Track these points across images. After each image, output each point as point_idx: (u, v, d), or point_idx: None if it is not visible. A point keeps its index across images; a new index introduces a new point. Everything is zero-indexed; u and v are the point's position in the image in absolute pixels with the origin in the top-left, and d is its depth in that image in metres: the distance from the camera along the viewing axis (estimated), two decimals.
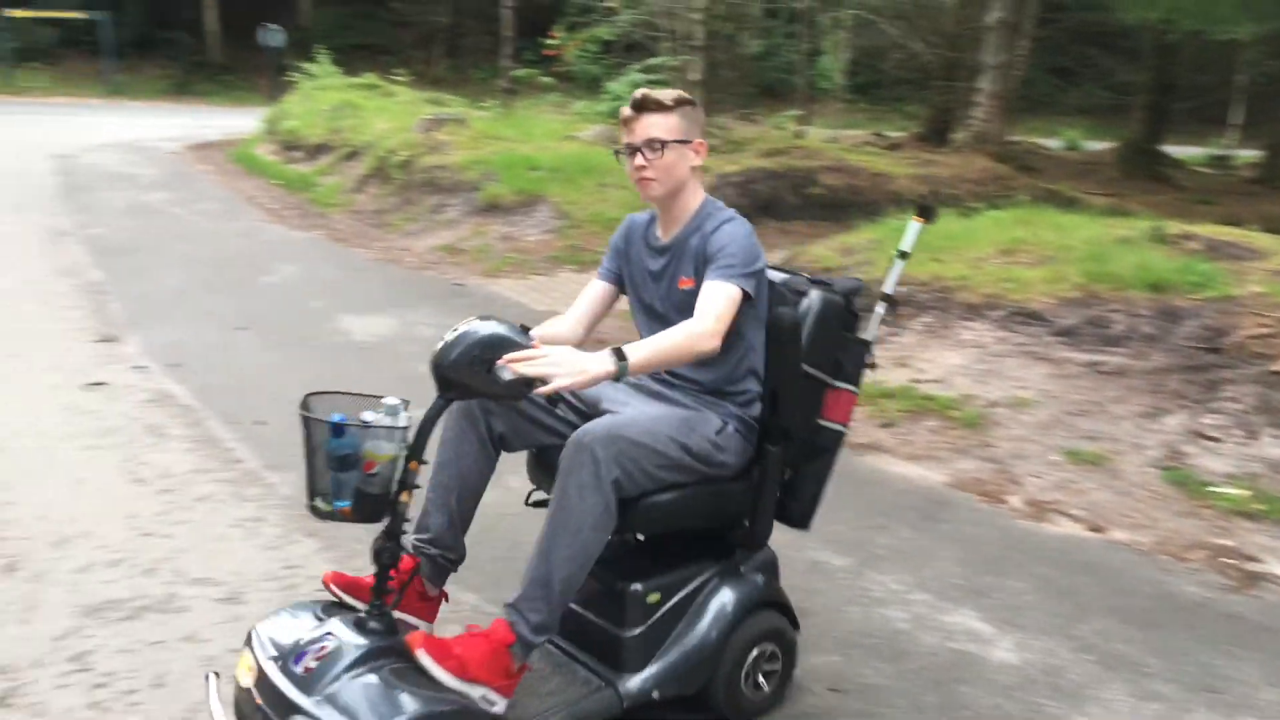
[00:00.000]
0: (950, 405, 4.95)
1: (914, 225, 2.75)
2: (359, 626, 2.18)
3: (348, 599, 2.36)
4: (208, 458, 4.21)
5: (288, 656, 2.13)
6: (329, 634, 2.16)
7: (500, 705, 2.22)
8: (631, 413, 2.47)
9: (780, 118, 14.05)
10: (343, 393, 2.27)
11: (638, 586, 2.43)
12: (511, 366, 2.11)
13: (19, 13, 24.82)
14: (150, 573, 3.25)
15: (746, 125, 13.22)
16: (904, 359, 5.46)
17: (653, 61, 12.83)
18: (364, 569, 2.35)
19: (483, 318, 2.22)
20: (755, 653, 2.58)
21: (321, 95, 14.59)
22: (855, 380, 2.68)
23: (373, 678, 2.08)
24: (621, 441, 2.29)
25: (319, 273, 7.79)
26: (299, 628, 2.21)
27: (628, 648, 2.42)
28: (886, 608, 3.28)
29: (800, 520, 2.72)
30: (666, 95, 2.49)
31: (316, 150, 12.79)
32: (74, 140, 15.09)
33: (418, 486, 2.24)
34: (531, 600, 2.27)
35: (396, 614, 2.28)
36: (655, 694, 2.42)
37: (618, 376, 2.20)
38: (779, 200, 9.53)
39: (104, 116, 19.81)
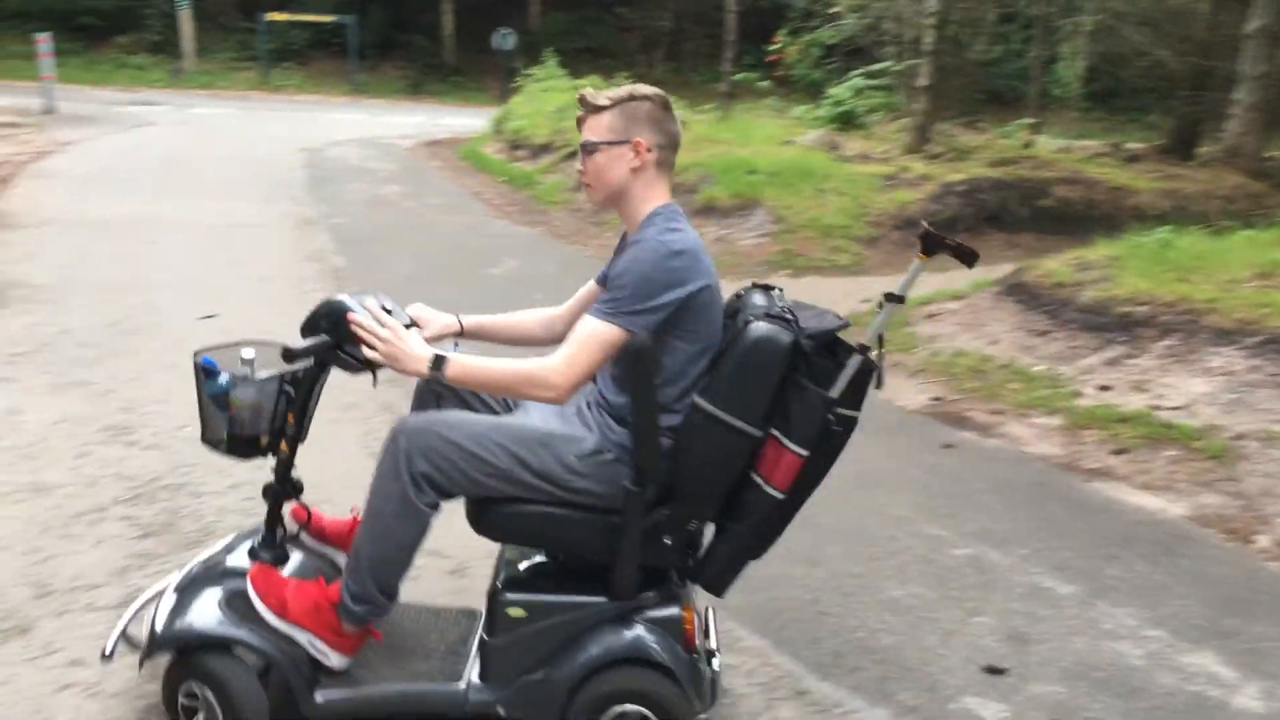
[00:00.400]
0: (1193, 435, 4.62)
1: (916, 264, 2.29)
2: (249, 550, 2.48)
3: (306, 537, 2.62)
4: None
5: (210, 558, 2.52)
6: (228, 548, 2.53)
7: (334, 659, 2.35)
8: (477, 415, 2.44)
9: (1010, 126, 13.50)
10: (237, 343, 2.47)
11: (506, 596, 2.36)
12: (354, 332, 2.25)
13: (279, 16, 26.88)
14: None
15: (972, 133, 12.78)
16: (1142, 383, 5.13)
17: (876, 67, 12.59)
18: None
19: (356, 293, 2.35)
20: (615, 710, 2.30)
21: (547, 97, 15.09)
22: (807, 441, 2.21)
23: (216, 589, 2.38)
24: (432, 437, 2.26)
25: (539, 267, 8.05)
26: (229, 543, 2.59)
27: (486, 653, 2.38)
28: (1117, 641, 3.09)
29: (711, 584, 2.38)
30: (604, 95, 2.34)
31: (540, 149, 13.23)
32: (320, 135, 16.18)
33: (301, 441, 2.45)
34: (350, 570, 2.34)
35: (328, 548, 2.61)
36: (500, 710, 2.35)
37: (430, 378, 2.23)
38: (1007, 211, 9.16)
39: (347, 113, 21.17)
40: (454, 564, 3.32)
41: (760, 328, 2.21)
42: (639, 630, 2.31)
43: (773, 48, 14.52)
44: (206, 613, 2.34)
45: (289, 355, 2.27)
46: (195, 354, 2.41)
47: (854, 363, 2.22)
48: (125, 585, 3.07)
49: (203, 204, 9.69)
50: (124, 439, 4.21)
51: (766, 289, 2.43)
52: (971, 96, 13.84)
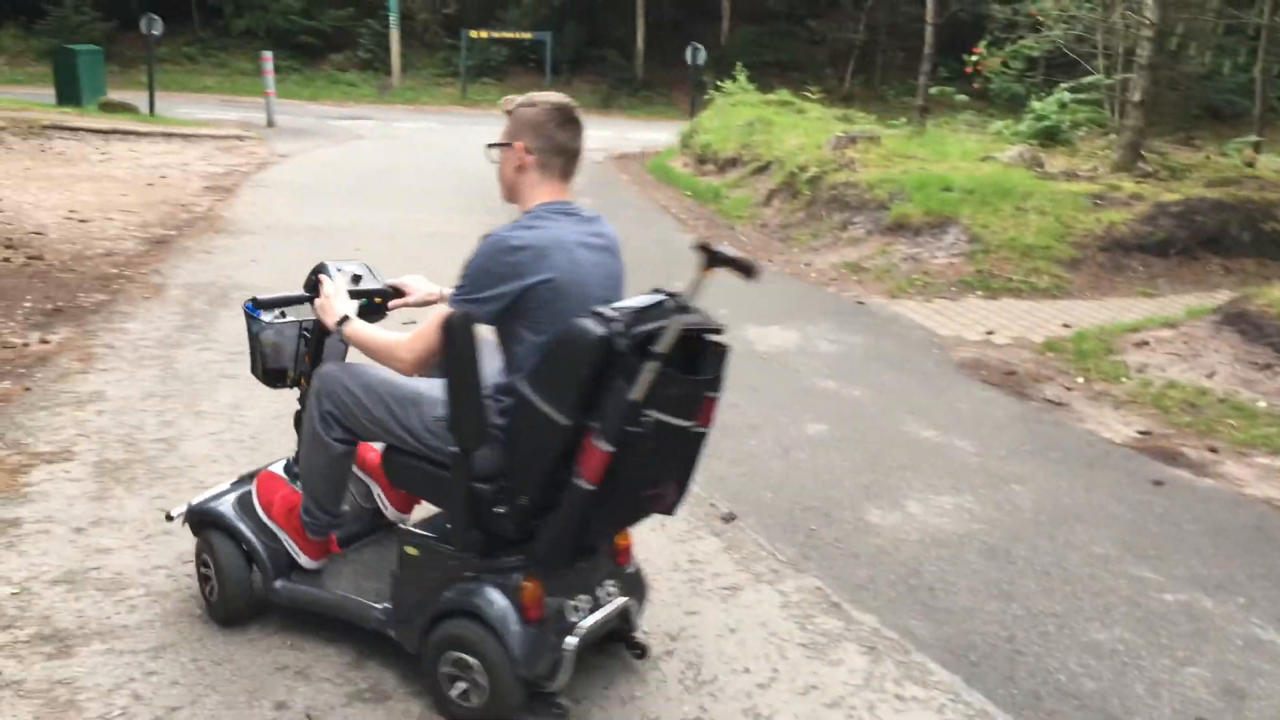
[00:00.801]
0: None
1: (695, 278, 2.30)
2: (284, 466, 3.03)
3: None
4: None
5: (261, 468, 3.09)
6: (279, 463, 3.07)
7: (302, 559, 2.86)
8: (379, 370, 2.67)
9: (1230, 144, 12.63)
10: (289, 296, 2.94)
11: (405, 535, 2.66)
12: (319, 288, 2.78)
13: (480, 34, 28.00)
14: None
15: (1188, 151, 12.03)
16: None
17: (1085, 80, 12.02)
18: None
19: (341, 261, 2.89)
20: (451, 656, 2.52)
21: (735, 111, 15.11)
22: (612, 437, 2.27)
23: (245, 486, 3.00)
24: (336, 383, 2.69)
25: (724, 282, 8.02)
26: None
27: (392, 584, 2.69)
28: None
29: (541, 560, 2.49)
30: (511, 101, 2.62)
31: (727, 164, 13.26)
32: None
33: None
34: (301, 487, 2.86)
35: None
36: (392, 634, 2.66)
37: (334, 332, 2.70)
38: (1226, 235, 8.57)
39: None
40: None
41: (575, 322, 2.32)
42: (484, 589, 2.50)
43: (971, 59, 14.06)
44: (225, 502, 2.94)
45: (260, 303, 2.89)
46: (246, 301, 2.94)
47: (649, 367, 2.26)
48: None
49: (405, 213, 10.17)
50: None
51: (671, 294, 2.44)
52: (1188, 112, 13.02)
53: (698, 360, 2.46)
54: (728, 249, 2.25)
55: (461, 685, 2.52)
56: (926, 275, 7.92)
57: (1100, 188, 9.18)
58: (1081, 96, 12.72)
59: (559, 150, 2.56)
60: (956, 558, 3.61)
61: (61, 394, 4.72)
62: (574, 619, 2.56)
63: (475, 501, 2.48)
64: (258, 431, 4.37)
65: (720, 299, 7.28)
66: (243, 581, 2.86)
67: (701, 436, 2.52)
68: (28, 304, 6.17)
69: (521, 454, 2.45)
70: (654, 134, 19.73)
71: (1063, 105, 12.65)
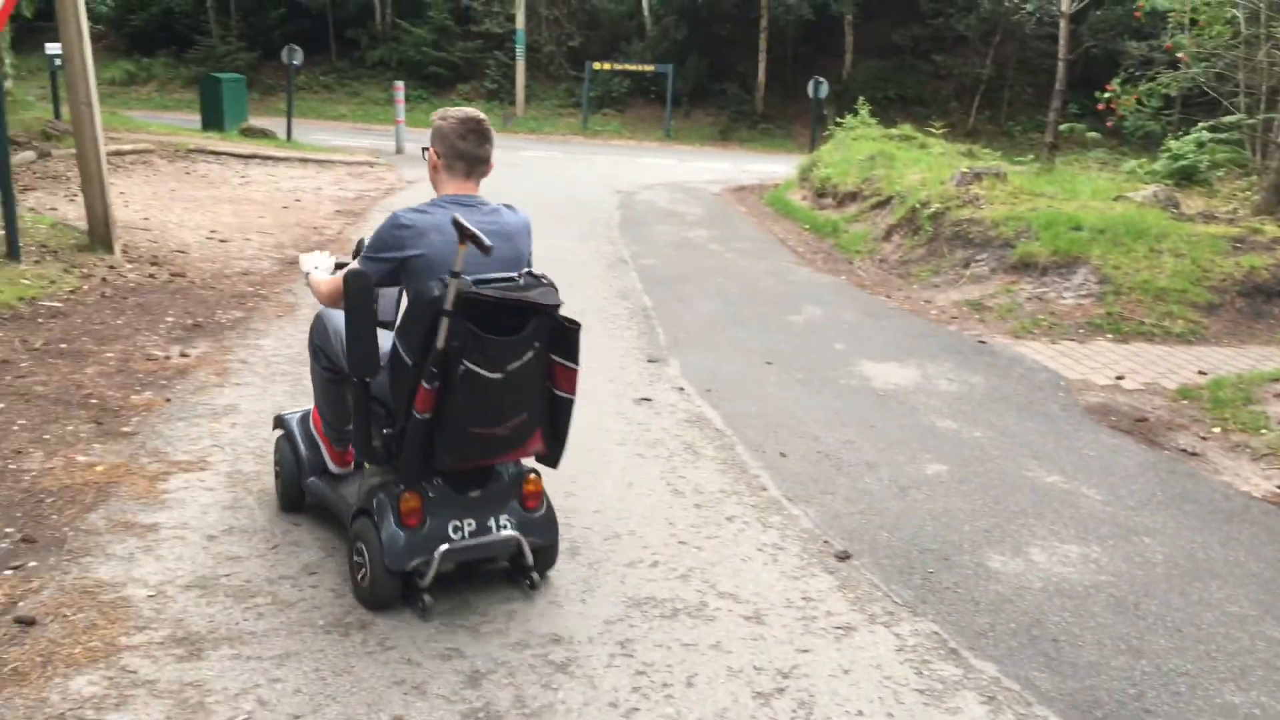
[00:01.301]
0: None
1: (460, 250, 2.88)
2: None
3: None
4: (735, 480, 4.46)
5: None
6: None
7: (330, 464, 3.64)
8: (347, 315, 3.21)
9: None
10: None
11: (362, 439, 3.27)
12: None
13: (604, 66, 28.46)
14: (684, 579, 3.51)
15: None
16: None
17: (1226, 120, 11.55)
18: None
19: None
20: (355, 545, 3.19)
21: (856, 145, 14.98)
22: (428, 376, 2.92)
23: (305, 410, 3.85)
24: (317, 323, 3.59)
25: (842, 316, 7.98)
26: None
27: (359, 485, 3.39)
28: None
29: (402, 475, 3.14)
30: (435, 114, 3.29)
31: (847, 198, 13.14)
32: (633, 179, 16.91)
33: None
34: None
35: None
36: (348, 525, 3.31)
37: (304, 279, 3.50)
38: None
39: (658, 158, 22.00)
40: (750, 610, 3.32)
41: (424, 285, 2.95)
42: (377, 495, 3.16)
43: (1104, 96, 13.65)
44: (295, 415, 3.85)
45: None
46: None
47: (442, 321, 2.87)
48: (450, 593, 3.29)
49: None
50: None
51: (529, 274, 3.16)
52: None
53: (565, 335, 3.12)
54: (468, 225, 2.83)
55: (361, 570, 3.16)
56: (1053, 316, 7.69)
57: (1240, 230, 8.79)
58: (1221, 136, 12.21)
59: (460, 155, 3.19)
60: (1082, 609, 3.47)
61: (199, 406, 4.94)
62: (454, 536, 3.15)
63: (368, 420, 3.20)
64: None
65: (838, 334, 7.26)
66: (293, 474, 3.74)
67: (549, 396, 3.18)
68: (170, 319, 6.48)
69: (392, 387, 3.10)
70: (772, 167, 19.71)
71: (1201, 145, 12.17)
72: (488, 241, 2.84)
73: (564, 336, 3.12)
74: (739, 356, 6.54)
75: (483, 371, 2.92)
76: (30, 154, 11.60)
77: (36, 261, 7.31)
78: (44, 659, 2.80)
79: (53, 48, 15.02)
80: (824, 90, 20.15)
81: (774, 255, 10.87)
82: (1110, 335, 7.30)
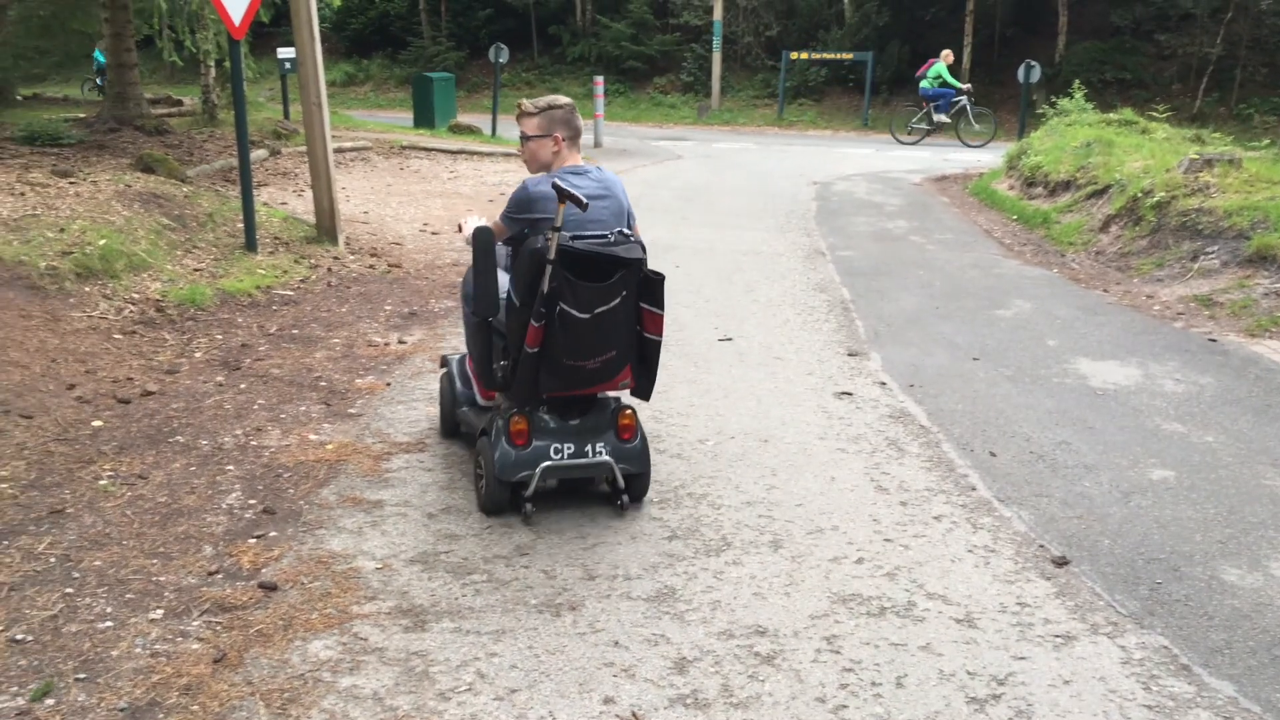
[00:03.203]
0: None
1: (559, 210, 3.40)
2: None
3: None
4: (942, 479, 4.33)
5: None
6: None
7: (479, 398, 4.19)
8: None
9: None
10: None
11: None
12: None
13: (803, 54, 28.13)
14: (891, 577, 3.43)
15: None
16: None
17: None
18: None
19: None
20: (478, 459, 3.83)
21: (1070, 131, 14.23)
22: (536, 316, 3.44)
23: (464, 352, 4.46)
24: (468, 274, 3.96)
25: (1053, 311, 7.60)
26: None
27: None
28: None
29: (515, 399, 3.74)
30: (531, 104, 3.85)
31: (1059, 187, 12.51)
32: (830, 169, 16.63)
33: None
34: None
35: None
36: (477, 436, 3.95)
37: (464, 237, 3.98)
38: None
39: (855, 148, 21.55)
40: (961, 612, 3.22)
41: (530, 239, 3.52)
42: (494, 418, 3.76)
43: None
44: (455, 356, 4.51)
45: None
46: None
47: (547, 270, 3.38)
48: (655, 580, 3.34)
49: (721, 231, 10.38)
50: (652, 446, 4.59)
51: (626, 235, 3.65)
52: None
53: (652, 285, 3.62)
54: (566, 187, 3.37)
55: (480, 479, 3.77)
56: None
57: None
58: None
59: (578, 132, 3.89)
60: None
61: (416, 390, 5.20)
62: (555, 456, 3.66)
63: (489, 352, 3.79)
64: None
65: (1049, 330, 6.93)
66: (450, 404, 4.40)
67: (638, 337, 3.68)
68: (388, 307, 6.84)
69: (508, 326, 3.61)
70: (976, 155, 18.99)
71: None
72: (584, 200, 3.40)
73: (651, 287, 3.61)
74: (943, 351, 6.34)
75: (574, 312, 3.42)
76: (263, 152, 12.48)
77: (270, 253, 7.87)
78: (285, 623, 3.01)
79: (284, 52, 16.17)
80: (1035, 74, 19.25)
81: (979, 247, 10.47)
82: None
